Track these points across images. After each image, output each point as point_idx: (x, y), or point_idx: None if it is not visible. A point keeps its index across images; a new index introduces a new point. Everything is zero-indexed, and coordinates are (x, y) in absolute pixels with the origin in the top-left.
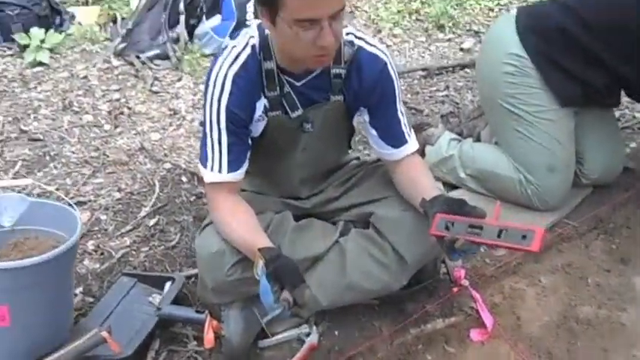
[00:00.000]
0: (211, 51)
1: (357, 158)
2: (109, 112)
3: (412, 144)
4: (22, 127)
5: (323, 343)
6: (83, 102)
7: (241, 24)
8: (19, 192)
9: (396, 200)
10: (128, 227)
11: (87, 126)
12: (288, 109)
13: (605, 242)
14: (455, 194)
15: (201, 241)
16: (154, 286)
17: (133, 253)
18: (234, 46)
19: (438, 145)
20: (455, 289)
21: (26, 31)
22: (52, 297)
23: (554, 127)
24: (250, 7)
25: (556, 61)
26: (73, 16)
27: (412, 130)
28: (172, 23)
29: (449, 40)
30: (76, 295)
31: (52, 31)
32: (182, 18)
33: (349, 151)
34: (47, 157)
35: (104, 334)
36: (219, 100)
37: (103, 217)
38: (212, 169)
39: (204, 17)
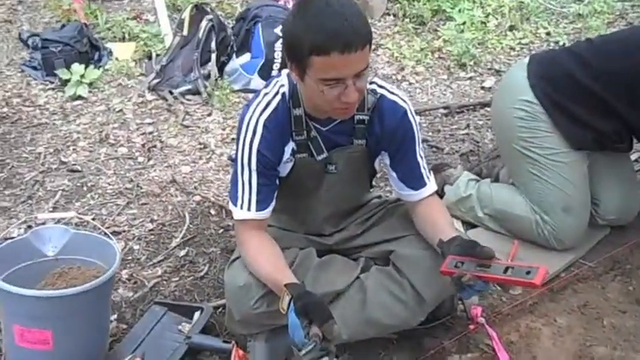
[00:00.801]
0: (240, 87)
1: (379, 197)
2: (143, 145)
3: (431, 186)
4: (62, 159)
5: None
6: (118, 135)
7: (270, 62)
8: (57, 222)
9: (415, 239)
10: (160, 257)
11: (122, 158)
12: (314, 152)
13: (621, 284)
14: (473, 233)
15: (229, 275)
16: (184, 315)
17: (164, 282)
18: (266, 94)
19: (456, 185)
20: (472, 327)
21: (67, 67)
22: (92, 324)
23: (568, 169)
24: (278, 46)
25: (565, 107)
26: (110, 52)
27: (431, 172)
28: (204, 60)
29: (470, 78)
30: (110, 322)
31: (91, 67)
32: (213, 56)
33: (371, 190)
34: (85, 188)
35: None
36: (250, 144)
37: (136, 247)
38: (242, 207)
39: (234, 55)
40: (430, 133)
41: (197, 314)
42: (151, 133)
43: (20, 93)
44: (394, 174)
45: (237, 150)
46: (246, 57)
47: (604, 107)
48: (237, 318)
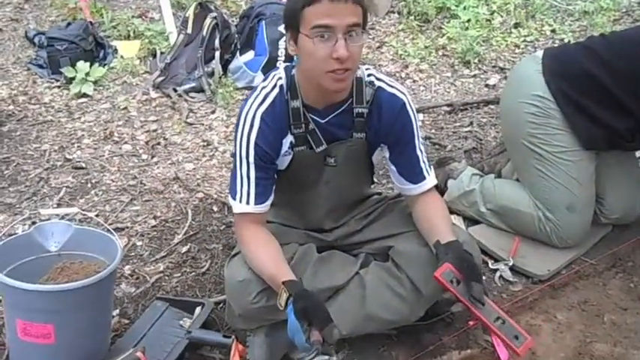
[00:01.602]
0: (244, 85)
1: (379, 193)
2: (147, 143)
3: (430, 180)
4: (67, 156)
5: None
6: (123, 132)
7: (273, 59)
8: (61, 218)
9: (414, 235)
10: (162, 253)
11: (126, 155)
12: (313, 145)
13: (623, 281)
14: (475, 230)
15: (229, 270)
16: (185, 310)
17: (166, 278)
18: (264, 87)
19: (460, 180)
20: (471, 323)
21: (73, 65)
22: (94, 318)
23: (575, 168)
24: (282, 44)
25: (580, 104)
26: (115, 50)
27: (432, 166)
28: (208, 58)
29: (474, 76)
30: (113, 316)
31: (96, 65)
32: (217, 54)
33: (372, 186)
34: (89, 185)
35: (139, 354)
36: (248, 137)
37: (139, 243)
38: (240, 201)
39: (238, 53)
40: (433, 131)
41: (198, 309)
42: (155, 130)
43: (26, 91)
44: (394, 167)
45: (235, 144)
46: (249, 55)
47: (619, 104)
48: (237, 313)
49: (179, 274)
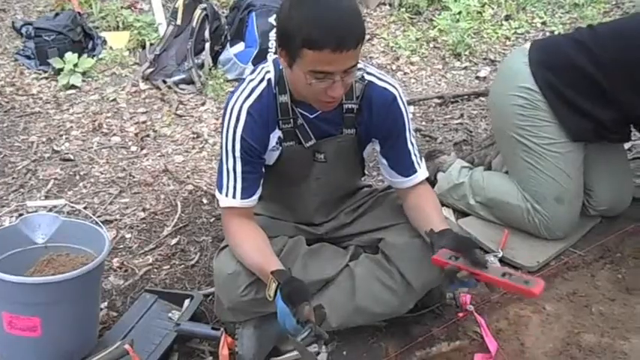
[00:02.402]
0: (234, 76)
1: (369, 186)
2: (136, 134)
3: (421, 173)
4: (55, 148)
5: None
6: (112, 124)
7: (264, 51)
8: (49, 210)
9: (404, 228)
10: (151, 246)
11: (115, 147)
12: (302, 140)
13: (611, 272)
14: (464, 222)
15: (218, 263)
16: (174, 302)
17: (155, 270)
18: (251, 80)
19: (449, 173)
20: (460, 314)
21: (61, 56)
22: (81, 311)
23: (563, 160)
24: (273, 36)
25: (566, 96)
26: (104, 41)
27: (423, 159)
28: (198, 50)
29: (465, 68)
30: (101, 309)
31: (85, 56)
32: (207, 45)
33: (363, 178)
34: (77, 177)
35: (127, 347)
36: (234, 130)
37: (128, 236)
38: (227, 195)
39: (228, 44)
40: (424, 123)
41: (187, 302)
42: (144, 122)
43: (13, 82)
44: (385, 161)
45: (221, 137)
46: (240, 46)
47: (605, 96)
48: (227, 305)
49: (168, 267)
